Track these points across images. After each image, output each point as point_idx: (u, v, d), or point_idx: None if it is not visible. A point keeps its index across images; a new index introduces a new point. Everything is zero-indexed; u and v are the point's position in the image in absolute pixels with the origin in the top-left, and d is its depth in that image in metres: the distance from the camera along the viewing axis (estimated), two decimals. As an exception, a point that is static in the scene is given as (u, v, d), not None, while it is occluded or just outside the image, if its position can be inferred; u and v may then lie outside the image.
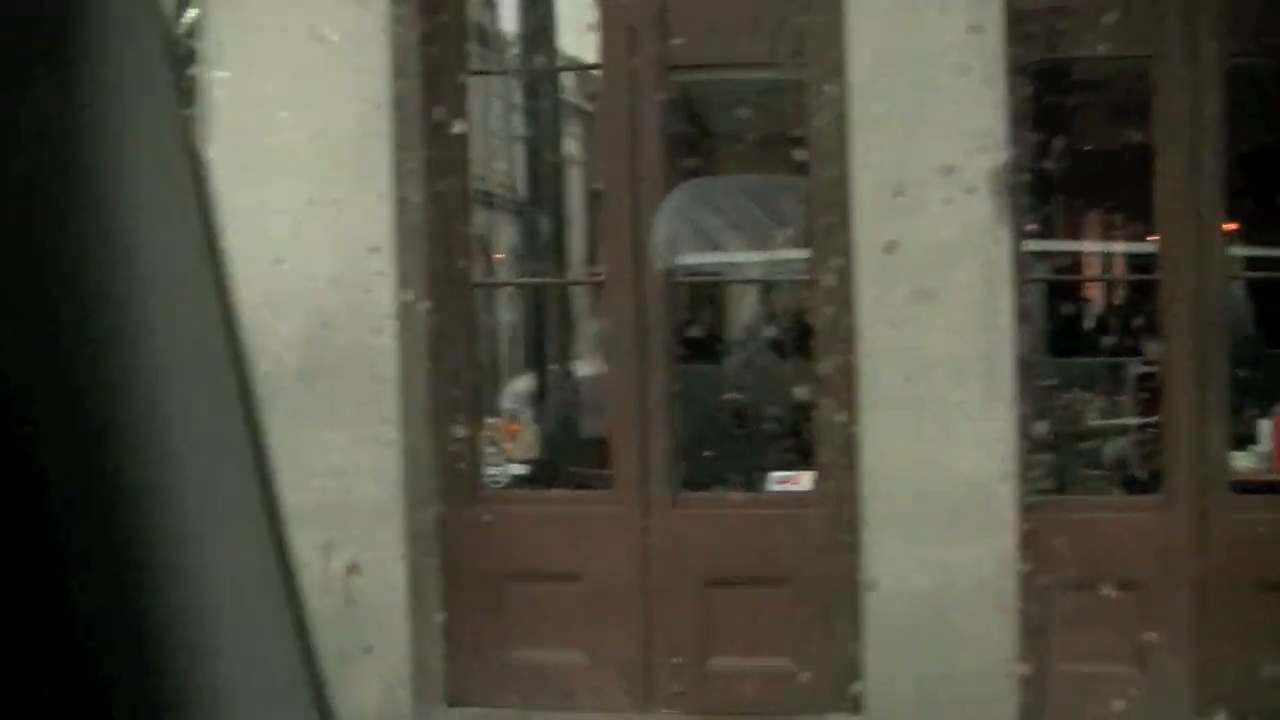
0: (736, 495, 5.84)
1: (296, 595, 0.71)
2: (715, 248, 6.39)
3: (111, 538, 0.64)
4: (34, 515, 0.64)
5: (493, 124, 8.93)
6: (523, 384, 7.07)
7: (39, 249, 0.64)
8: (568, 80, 9.82)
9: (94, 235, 0.65)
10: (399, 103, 5.32)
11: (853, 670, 5.20)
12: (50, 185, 0.64)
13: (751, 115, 6.64)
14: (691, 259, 6.38)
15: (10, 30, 0.63)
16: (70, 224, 0.64)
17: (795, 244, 5.82)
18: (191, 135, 0.71)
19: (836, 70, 5.14)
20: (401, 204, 5.31)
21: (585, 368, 7.17)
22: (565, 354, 7.43)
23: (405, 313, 5.31)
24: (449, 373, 5.51)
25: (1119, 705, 5.06)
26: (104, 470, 0.64)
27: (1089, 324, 8.31)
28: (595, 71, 6.53)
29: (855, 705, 5.21)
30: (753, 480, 5.93)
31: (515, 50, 8.65)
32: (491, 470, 5.96)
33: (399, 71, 5.33)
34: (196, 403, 0.68)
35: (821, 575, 5.28)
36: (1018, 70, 5.13)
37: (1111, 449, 6.53)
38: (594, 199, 8.35)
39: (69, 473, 0.64)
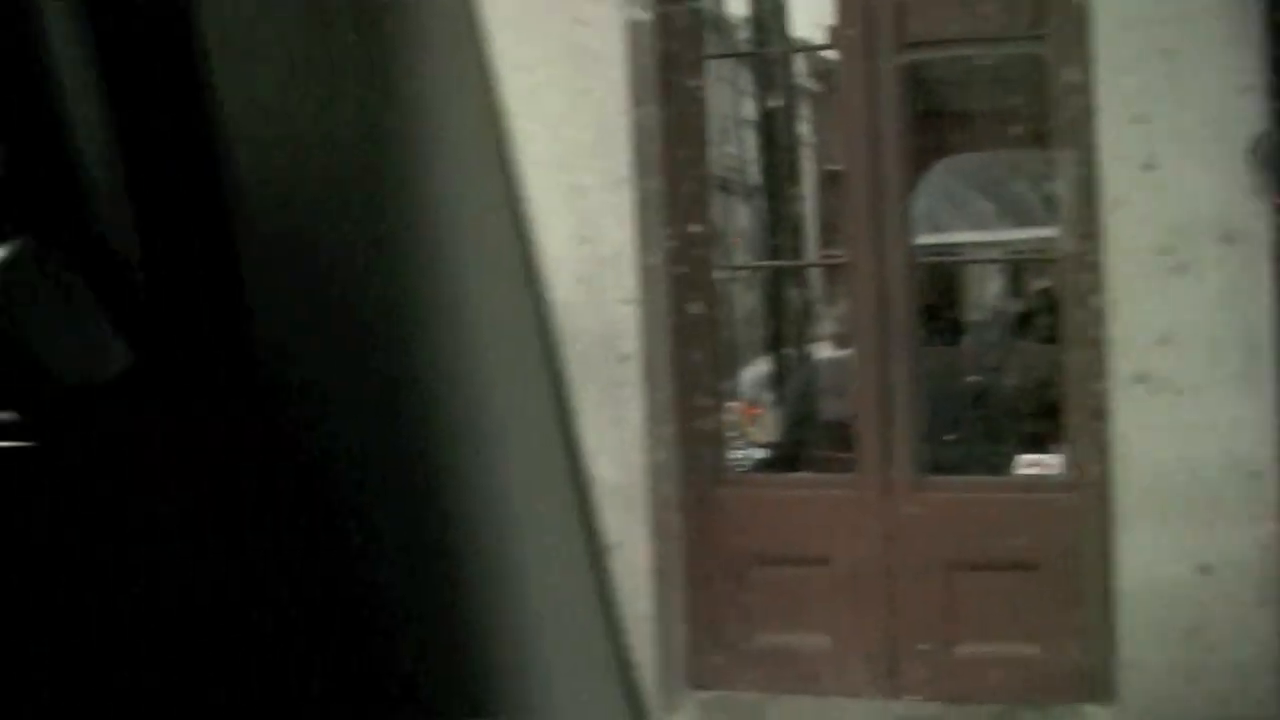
0: (983, 479, 5.73)
1: (608, 579, 0.71)
2: (973, 225, 6.27)
3: (424, 528, 0.64)
4: (338, 510, 0.65)
5: (726, 108, 8.92)
6: (762, 367, 7.06)
7: (354, 247, 0.64)
8: (800, 62, 9.75)
9: (408, 229, 0.65)
10: (637, 88, 5.35)
11: (1105, 660, 5.06)
12: (365, 179, 0.65)
13: (993, 91, 6.50)
14: (935, 238, 6.29)
15: (322, 21, 0.64)
16: (386, 219, 0.64)
17: (1042, 221, 5.68)
18: (506, 123, 0.71)
19: (1080, 41, 4.98)
20: (643, 189, 5.35)
21: (824, 350, 7.12)
22: (803, 337, 7.39)
23: (648, 297, 5.35)
24: (691, 356, 5.53)
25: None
26: (418, 463, 0.64)
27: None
28: (829, 52, 6.47)
29: (1108, 696, 5.06)
30: (999, 464, 5.81)
31: (747, 33, 8.63)
32: (733, 454, 5.96)
33: (637, 57, 5.36)
34: (514, 396, 0.68)
35: (1072, 561, 5.15)
36: (1276, 32, 4.90)
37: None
38: (827, 181, 8.28)
39: (380, 467, 0.65)
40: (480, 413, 0.66)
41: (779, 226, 8.75)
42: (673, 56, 5.53)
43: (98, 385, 0.67)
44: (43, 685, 0.73)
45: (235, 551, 0.68)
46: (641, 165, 5.35)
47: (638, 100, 5.35)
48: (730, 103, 9.76)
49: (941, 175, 6.37)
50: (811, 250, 8.94)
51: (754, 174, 9.56)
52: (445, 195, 0.66)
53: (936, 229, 6.13)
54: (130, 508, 0.70)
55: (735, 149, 10.28)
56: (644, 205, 5.36)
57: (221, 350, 0.65)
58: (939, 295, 6.67)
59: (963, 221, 6.20)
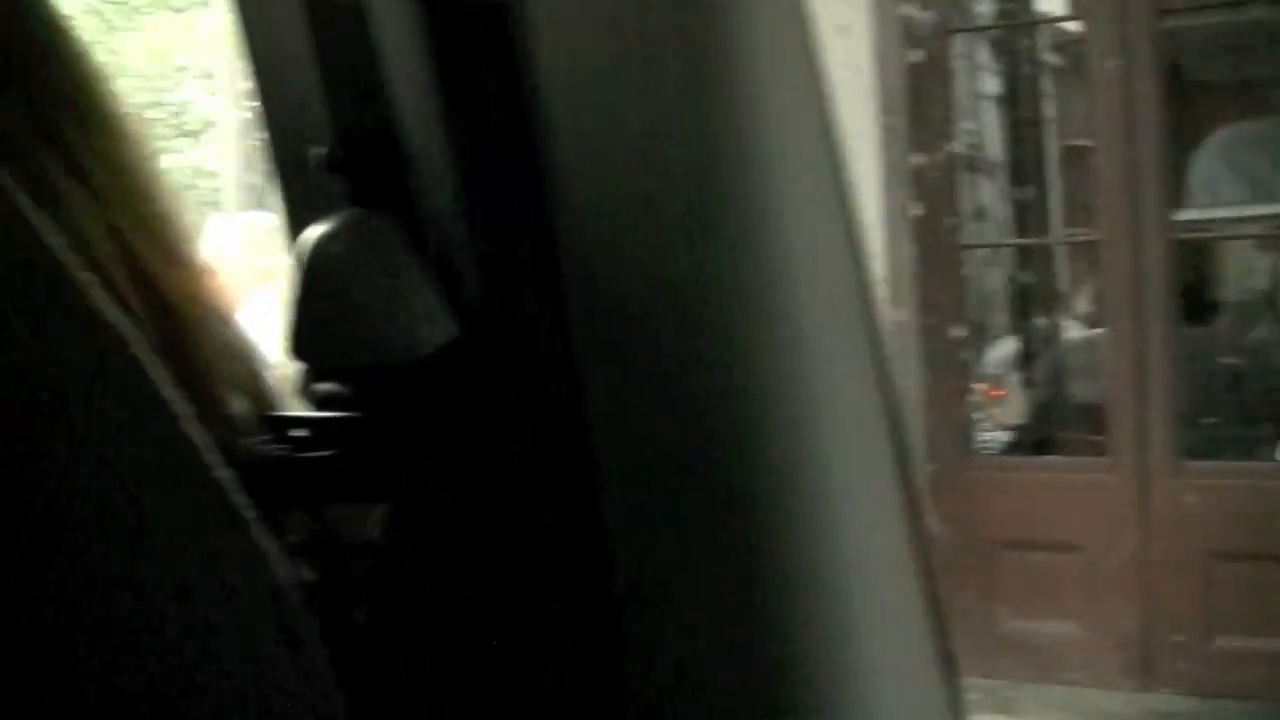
0: (1244, 464, 5.50)
1: (931, 576, 0.68)
2: (1257, 196, 6.00)
3: (738, 526, 0.62)
4: (645, 504, 0.63)
5: (967, 83, 8.78)
6: (1007, 347, 6.91)
7: (673, 234, 0.63)
8: (1041, 35, 9.53)
9: (728, 213, 0.63)
10: (881, 65, 5.31)
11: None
12: (686, 164, 0.63)
13: (1253, 57, 6.24)
14: (1212, 213, 6.04)
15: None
16: (705, 205, 0.62)
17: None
18: (831, 105, 0.68)
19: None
20: (888, 167, 5.30)
21: (1072, 330, 6.93)
22: (1050, 316, 7.21)
23: (894, 276, 5.30)
24: (936, 336, 5.47)
25: None
26: (732, 456, 0.62)
27: None
28: (1074, 24, 6.30)
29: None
30: (1261, 449, 5.57)
31: (988, 6, 8.46)
32: (980, 436, 5.86)
33: (880, 33, 5.31)
34: (839, 389, 0.65)
35: (1340, 551, 4.93)
36: None
37: None
38: (1071, 156, 8.06)
39: (694, 460, 0.63)
40: (803, 405, 0.63)
41: (1023, 203, 8.56)
42: (917, 31, 5.46)
43: (421, 357, 0.67)
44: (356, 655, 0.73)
45: (535, 541, 0.67)
46: (887, 143, 5.30)
47: (883, 77, 5.30)
48: (970, 78, 9.59)
49: (1223, 144, 6.11)
50: (1056, 227, 8.74)
51: (996, 150, 9.39)
52: (771, 179, 0.64)
53: (1216, 200, 5.89)
54: (439, 480, 0.71)
55: (975, 125, 10.10)
56: (890, 184, 5.31)
57: (537, 334, 0.65)
58: (1196, 272, 6.41)
59: (1245, 192, 5.92)
